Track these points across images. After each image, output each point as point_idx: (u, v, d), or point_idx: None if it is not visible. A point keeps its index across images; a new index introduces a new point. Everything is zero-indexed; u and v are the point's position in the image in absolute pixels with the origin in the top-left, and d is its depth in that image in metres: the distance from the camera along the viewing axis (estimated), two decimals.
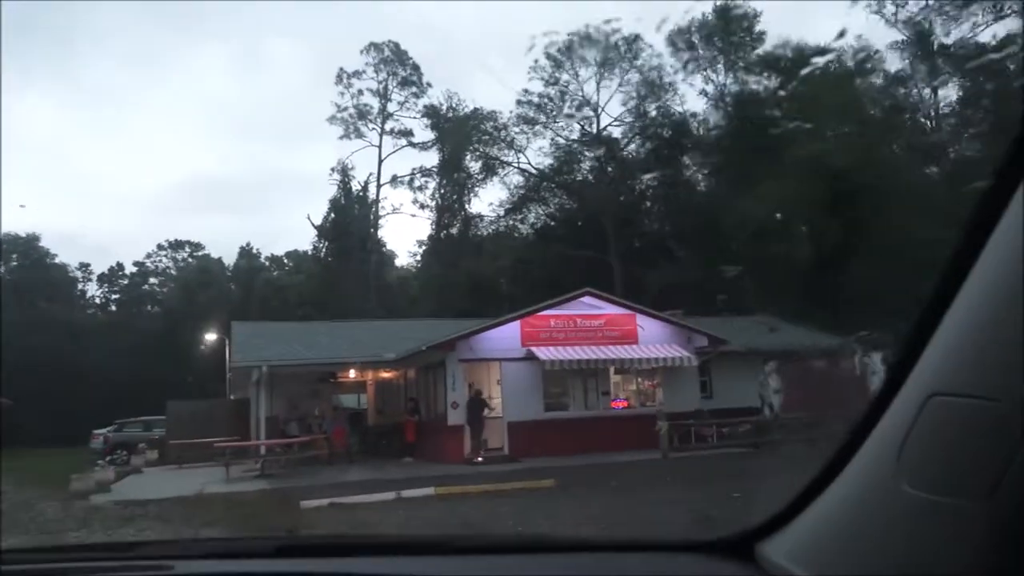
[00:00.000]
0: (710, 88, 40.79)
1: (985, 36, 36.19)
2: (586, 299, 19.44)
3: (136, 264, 67.23)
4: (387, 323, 26.97)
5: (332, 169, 48.75)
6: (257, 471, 16.99)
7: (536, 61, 41.94)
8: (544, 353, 17.95)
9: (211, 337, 31.39)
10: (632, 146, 43.76)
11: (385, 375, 23.79)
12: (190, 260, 68.98)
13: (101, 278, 66.83)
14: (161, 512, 10.67)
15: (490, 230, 49.50)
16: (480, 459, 17.44)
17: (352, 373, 23.42)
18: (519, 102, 42.46)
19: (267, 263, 67.51)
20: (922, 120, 39.07)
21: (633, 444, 17.34)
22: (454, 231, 50.83)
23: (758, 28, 40.02)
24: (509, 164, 45.23)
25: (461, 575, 1.43)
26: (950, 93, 37.60)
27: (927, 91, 38.89)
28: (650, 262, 39.38)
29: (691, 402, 19.82)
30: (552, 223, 47.10)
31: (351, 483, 14.15)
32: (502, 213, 47.62)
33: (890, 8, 38.41)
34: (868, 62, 39.02)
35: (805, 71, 38.35)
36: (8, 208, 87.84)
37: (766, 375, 19.31)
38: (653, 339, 19.62)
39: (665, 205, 42.10)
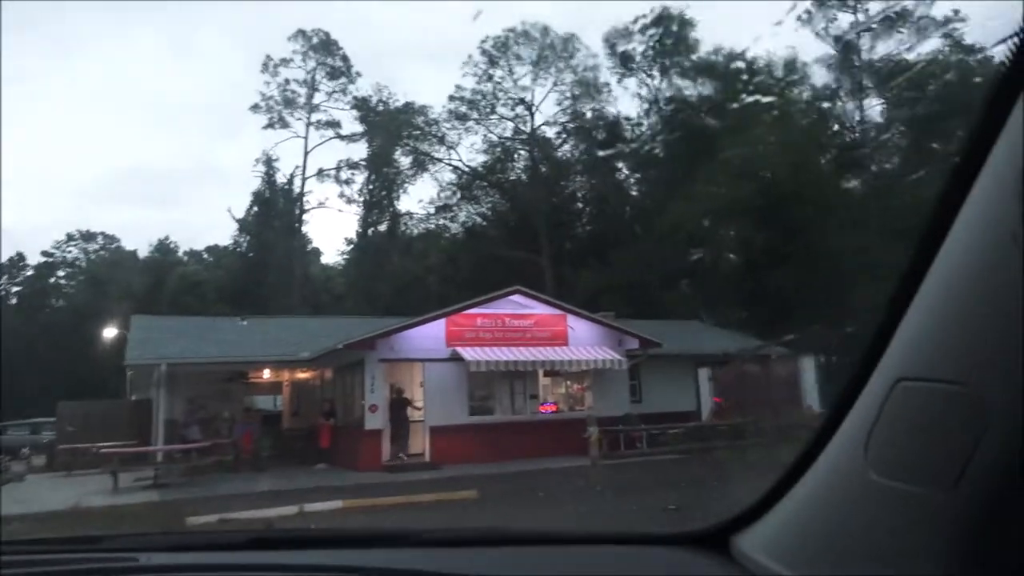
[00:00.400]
0: (645, 91, 40.66)
1: (910, 55, 37.37)
2: (516, 298, 18.51)
3: (45, 255, 63.08)
4: (305, 320, 25.42)
5: (256, 160, 46.54)
6: (150, 480, 15.41)
7: (470, 56, 41.03)
8: (470, 354, 16.92)
9: (111, 333, 29.07)
10: (566, 147, 43.27)
11: (302, 375, 22.37)
12: (103, 252, 65.34)
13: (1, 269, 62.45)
14: (15, 531, 9.15)
15: (420, 228, 48.34)
16: (402, 458, 16.34)
17: (267, 373, 21.91)
18: (451, 97, 41.42)
19: (185, 257, 64.47)
20: (847, 133, 39.74)
21: (562, 450, 16.55)
22: (382, 228, 49.41)
23: (693, 35, 40.09)
24: (440, 160, 44.11)
25: (428, 569, 1.32)
26: (875, 107, 38.38)
27: (851, 105, 39.62)
28: (582, 264, 38.96)
29: (621, 406, 19.12)
30: (484, 223, 46.26)
31: (252, 494, 12.80)
32: (432, 211, 46.50)
33: (820, 23, 39.06)
34: (798, 74, 39.65)
35: (738, 79, 38.72)
36: None
37: (702, 379, 18.81)
38: (583, 341, 18.85)
39: (598, 207, 41.70)
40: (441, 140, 42.79)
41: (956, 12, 35.99)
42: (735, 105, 36.52)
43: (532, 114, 42.07)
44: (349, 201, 46.42)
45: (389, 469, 16.05)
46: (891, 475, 0.88)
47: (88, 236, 66.41)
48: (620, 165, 42.10)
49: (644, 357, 19.69)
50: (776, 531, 1.14)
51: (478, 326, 17.83)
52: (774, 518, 1.16)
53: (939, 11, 36.70)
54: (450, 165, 44.10)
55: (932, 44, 36.84)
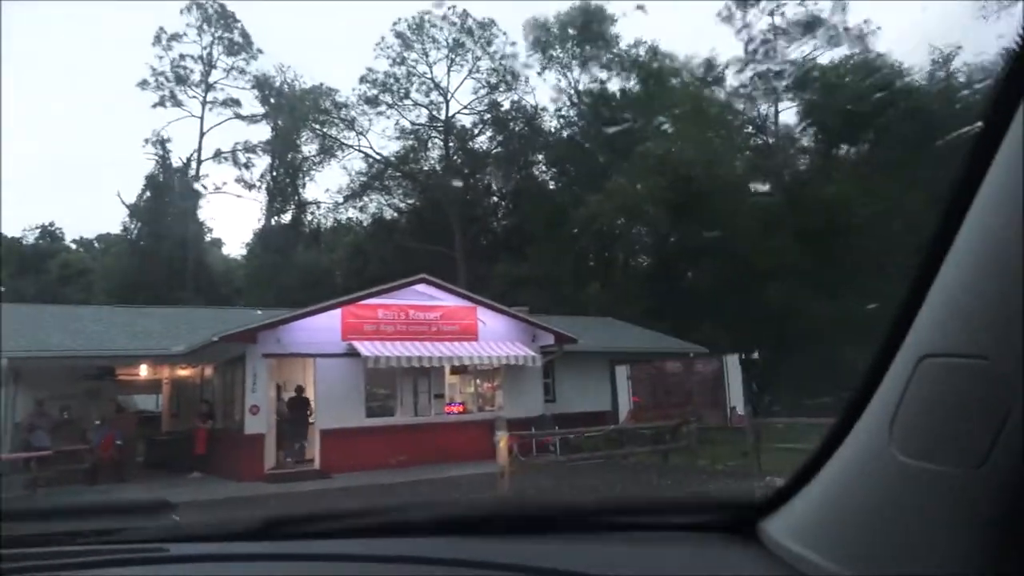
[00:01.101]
0: (564, 84, 39.68)
1: (823, 59, 37.79)
2: (421, 287, 16.88)
3: None
4: (188, 311, 22.93)
5: (147, 140, 42.95)
6: None
7: (383, 38, 39.01)
8: (367, 348, 15.19)
9: None
10: (482, 137, 41.84)
11: (183, 373, 20.04)
12: None
13: None
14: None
15: (328, 218, 46.00)
16: (290, 463, 14.49)
17: (144, 370, 19.49)
18: (363, 79, 39.27)
19: (74, 246, 59.76)
20: (761, 135, 39.88)
21: (471, 455, 15.06)
22: (287, 217, 46.73)
23: (613, 30, 39.38)
24: (349, 146, 41.86)
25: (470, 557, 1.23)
26: (789, 111, 38.60)
27: (765, 108, 39.78)
28: (497, 259, 37.69)
29: (534, 407, 17.82)
30: (396, 214, 44.37)
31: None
32: (341, 200, 44.19)
33: (738, 23, 39.00)
34: (716, 73, 39.53)
35: (657, 75, 38.25)
36: None
37: (619, 377, 17.67)
38: (495, 336, 17.43)
39: (514, 201, 40.46)
40: (350, 125, 40.59)
41: (866, 21, 36.53)
42: (653, 100, 36.01)
43: (447, 101, 40.45)
44: (249, 187, 43.47)
45: (272, 479, 14.15)
46: (918, 455, 0.86)
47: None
48: (538, 158, 40.98)
49: (559, 353, 18.45)
50: (803, 515, 1.10)
51: (378, 318, 16.11)
52: (800, 502, 1.12)
53: (852, 19, 37.25)
54: (360, 152, 41.96)
55: (843, 51, 37.32)
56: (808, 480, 1.11)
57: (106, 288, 43.17)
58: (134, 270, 45.37)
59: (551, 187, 39.93)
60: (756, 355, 15.13)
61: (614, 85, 38.49)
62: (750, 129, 39.09)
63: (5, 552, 1.36)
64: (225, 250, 55.59)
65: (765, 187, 37.17)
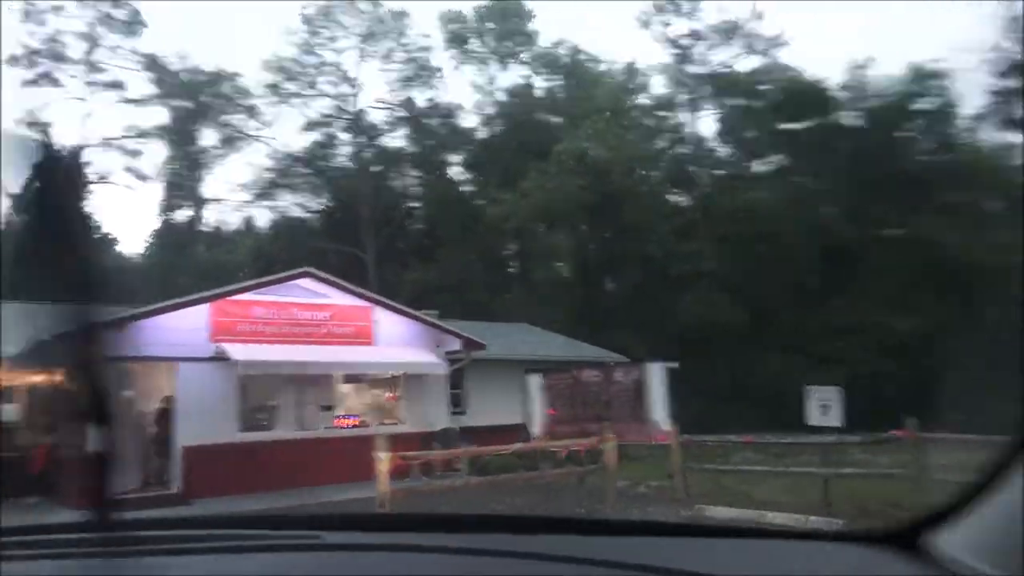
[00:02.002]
0: (482, 80, 38.13)
1: (741, 66, 37.63)
2: (306, 282, 14.80)
3: None
4: (36, 307, 19.91)
5: (20, 122, 38.80)
6: None
7: (289, 23, 36.54)
8: (241, 352, 13.03)
9: None
10: (396, 134, 39.80)
11: (38, 378, 17.26)
12: None
13: None
14: None
15: (232, 216, 43.02)
16: (151, 485, 12.14)
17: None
18: (267, 65, 36.61)
19: None
20: (680, 143, 39.35)
21: (364, 475, 13.06)
22: (186, 213, 43.43)
23: (531, 27, 38.14)
24: (256, 138, 39.04)
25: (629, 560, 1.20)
26: (706, 116, 38.22)
27: (685, 114, 39.31)
28: (408, 262, 35.72)
29: (439, 418, 15.99)
30: (305, 214, 41.81)
31: None
32: (249, 198, 41.29)
33: (658, 28, 38.42)
34: (636, 77, 38.85)
35: (578, 75, 37.23)
36: None
37: (532, 387, 16.03)
38: (394, 340, 15.52)
39: (427, 202, 38.57)
40: (252, 114, 37.82)
41: (781, 32, 36.60)
42: (573, 101, 34.92)
43: (356, 94, 38.20)
44: (140, 177, 39.96)
45: (117, 506, 11.77)
46: None
47: None
48: (454, 158, 39.26)
49: (467, 360, 16.70)
50: (978, 530, 1.10)
51: (256, 317, 13.95)
52: (976, 516, 1.12)
53: (768, 29, 37.26)
54: (265, 144, 39.20)
55: (759, 60, 37.25)
56: (981, 494, 1.11)
57: None
58: (10, 266, 41.08)
59: (466, 188, 38.23)
60: (676, 365, 13.87)
61: (534, 84, 37.20)
62: (670, 135, 38.54)
63: (182, 533, 1.38)
64: (120, 248, 51.60)
65: (684, 192, 36.63)
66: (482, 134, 38.33)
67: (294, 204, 41.83)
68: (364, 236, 36.69)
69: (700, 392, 20.43)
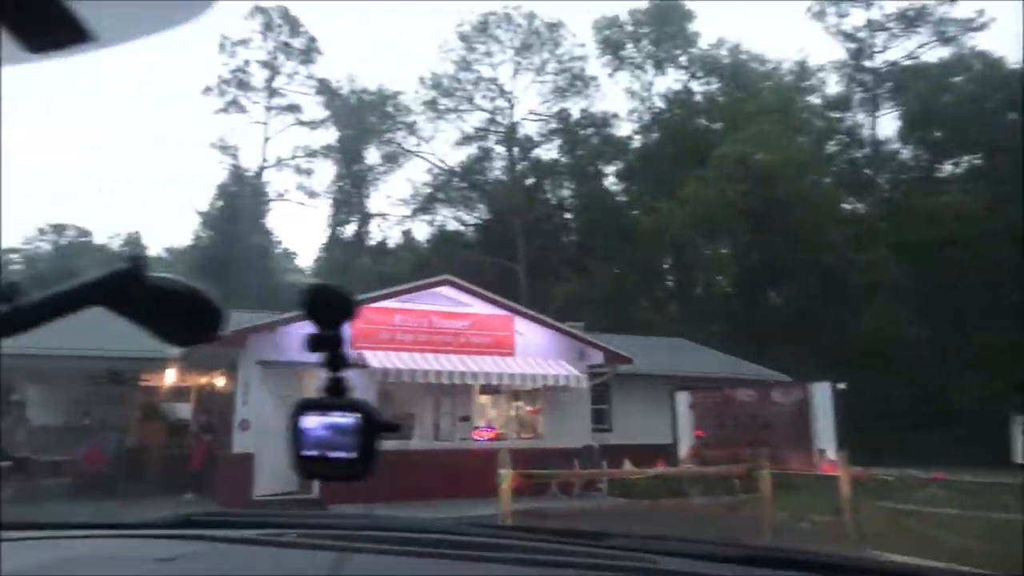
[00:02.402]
0: (637, 87, 37.04)
1: (929, 56, 33.93)
2: (445, 290, 14.59)
3: (12, 251, 60.51)
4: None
5: (212, 145, 42.64)
6: None
7: (445, 40, 37.45)
8: (379, 359, 12.97)
9: None
10: (549, 145, 39.62)
11: (206, 380, 18.44)
12: (72, 246, 62.17)
13: None
14: None
15: (394, 230, 44.79)
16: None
17: (171, 375, 17.96)
18: (423, 81, 37.71)
19: (158, 254, 61.23)
20: (856, 146, 36.04)
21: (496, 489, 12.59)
22: (351, 228, 45.77)
23: (692, 28, 36.58)
24: (414, 154, 40.34)
25: None
26: (887, 114, 34.76)
27: (863, 115, 36.00)
28: (560, 273, 35.26)
29: (580, 436, 15.19)
30: (462, 227, 42.67)
31: None
32: (408, 213, 42.81)
33: (832, 19, 35.57)
34: (807, 75, 36.20)
35: (742, 76, 35.20)
36: None
37: (680, 406, 14.85)
38: (535, 350, 14.94)
39: (580, 211, 37.99)
40: (412, 129, 39.08)
41: (980, 12, 32.50)
42: (735, 104, 32.98)
43: (512, 107, 38.40)
44: (311, 195, 42.55)
45: (256, 507, 12.02)
46: None
47: (59, 229, 63.25)
48: (608, 167, 38.42)
49: (611, 374, 15.81)
50: None
51: (395, 324, 13.89)
52: None
53: (961, 12, 33.32)
54: (426, 161, 40.41)
55: (951, 49, 33.34)
56: None
57: None
58: (203, 279, 45.20)
59: (620, 198, 37.20)
60: (844, 385, 12.21)
61: (692, 87, 35.59)
62: (844, 136, 35.44)
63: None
64: (298, 261, 55.47)
65: (860, 198, 33.48)
66: (637, 142, 37.24)
67: (451, 217, 42.90)
68: (517, 248, 36.72)
69: (874, 417, 18.20)
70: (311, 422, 0.99)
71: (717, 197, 27.18)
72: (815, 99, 35.86)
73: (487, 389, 15.22)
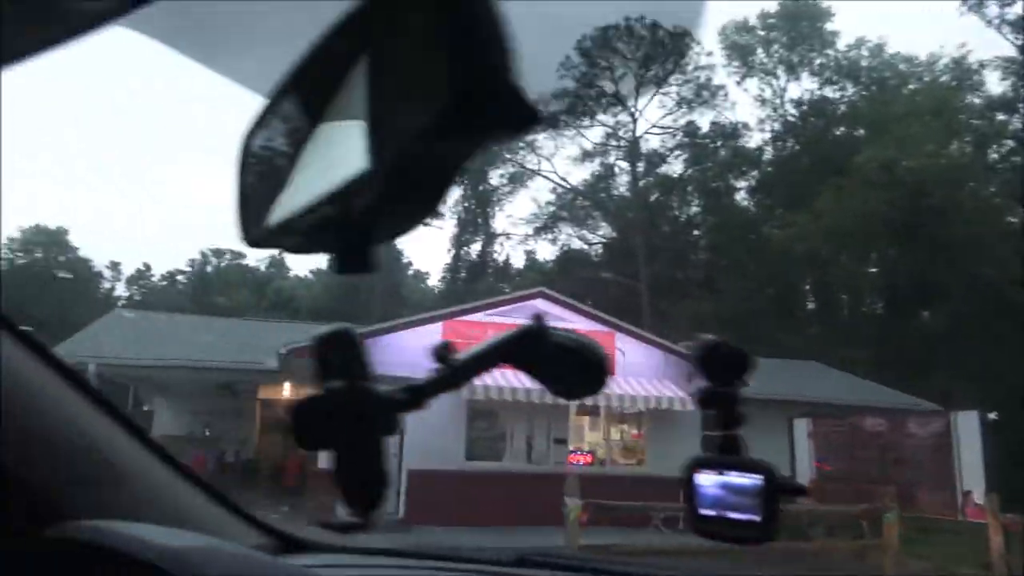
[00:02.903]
0: (768, 93, 34.93)
1: None
2: (540, 303, 13.85)
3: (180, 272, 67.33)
4: (295, 324, 21.60)
5: None
6: None
7: (567, 57, 36.92)
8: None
9: None
10: (674, 160, 38.16)
11: (299, 391, 18.75)
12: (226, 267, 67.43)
13: (130, 279, 66.37)
14: None
15: (517, 250, 44.74)
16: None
17: (288, 388, 18.49)
18: (548, 97, 37.38)
19: (299, 276, 65.30)
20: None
21: (596, 519, 11.67)
22: (476, 248, 46.20)
23: (829, 27, 34.09)
24: (537, 173, 40.10)
25: None
26: None
27: None
28: (688, 292, 33.64)
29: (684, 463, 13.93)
30: (586, 246, 41.97)
31: None
32: (530, 232, 42.62)
33: (994, 10, 31.96)
34: (967, 75, 32.72)
35: (881, 81, 32.36)
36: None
37: (798, 435, 13.30)
38: (638, 370, 13.90)
39: (708, 226, 36.22)
40: (532, 148, 38.88)
41: None
42: (879, 108, 30.26)
43: (635, 121, 37.29)
44: (437, 215, 43.24)
45: (332, 527, 11.73)
46: None
47: (218, 252, 68.76)
48: (737, 180, 36.44)
49: None
50: None
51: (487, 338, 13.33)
52: None
53: None
54: (548, 180, 40.08)
55: None
56: None
57: (307, 313, 45.12)
58: (337, 297, 47.46)
59: (751, 212, 35.10)
60: (995, 415, 10.31)
61: (829, 92, 33.09)
62: (1010, 141, 31.62)
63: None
64: (430, 281, 56.84)
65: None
66: (768, 153, 35.09)
67: (575, 236, 42.25)
68: (641, 266, 35.52)
69: None
70: (707, 480, 1.00)
71: (858, 207, 24.84)
72: (976, 99, 32.31)
73: (585, 411, 14.32)
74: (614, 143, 37.99)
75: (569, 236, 42.46)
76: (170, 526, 0.96)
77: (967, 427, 10.27)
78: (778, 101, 34.67)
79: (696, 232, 38.05)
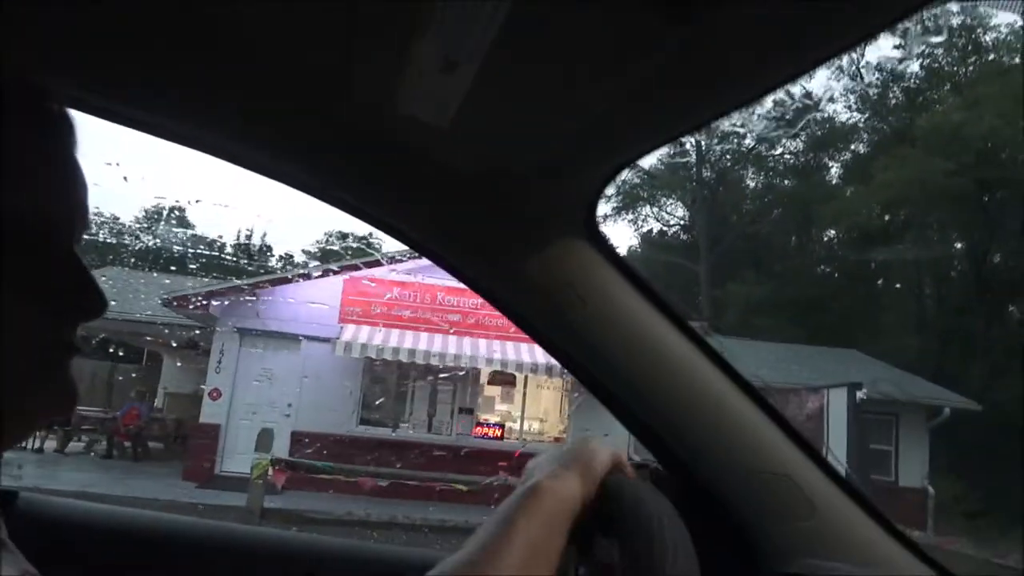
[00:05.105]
0: (844, 60, 31.56)
1: None
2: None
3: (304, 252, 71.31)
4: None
5: None
6: None
7: None
8: (351, 333, 11.62)
9: None
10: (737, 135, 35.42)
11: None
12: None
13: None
14: None
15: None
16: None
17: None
18: None
19: None
20: None
21: (490, 499, 10.59)
22: None
23: None
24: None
25: None
26: None
27: None
28: (742, 275, 31.20)
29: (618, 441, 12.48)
30: (665, 228, 40.00)
31: None
32: (609, 211, 41.05)
33: None
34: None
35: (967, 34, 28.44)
36: None
37: None
38: None
39: (762, 205, 33.54)
40: None
41: None
42: (959, 66, 26.65)
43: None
44: None
45: (214, 483, 11.25)
46: None
47: (342, 236, 71.81)
48: (788, 155, 33.45)
49: None
50: None
51: (392, 298, 12.43)
52: None
53: None
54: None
55: None
56: None
57: None
58: None
59: (803, 188, 32.01)
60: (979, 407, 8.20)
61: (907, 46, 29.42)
62: None
63: None
64: None
65: None
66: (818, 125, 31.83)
67: (654, 217, 40.32)
68: (696, 245, 33.47)
69: None
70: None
71: (915, 178, 21.91)
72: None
73: (498, 379, 13.14)
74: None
75: (645, 218, 40.59)
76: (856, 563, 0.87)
77: (837, 403, 8.45)
78: (854, 67, 31.29)
79: (751, 210, 35.28)
